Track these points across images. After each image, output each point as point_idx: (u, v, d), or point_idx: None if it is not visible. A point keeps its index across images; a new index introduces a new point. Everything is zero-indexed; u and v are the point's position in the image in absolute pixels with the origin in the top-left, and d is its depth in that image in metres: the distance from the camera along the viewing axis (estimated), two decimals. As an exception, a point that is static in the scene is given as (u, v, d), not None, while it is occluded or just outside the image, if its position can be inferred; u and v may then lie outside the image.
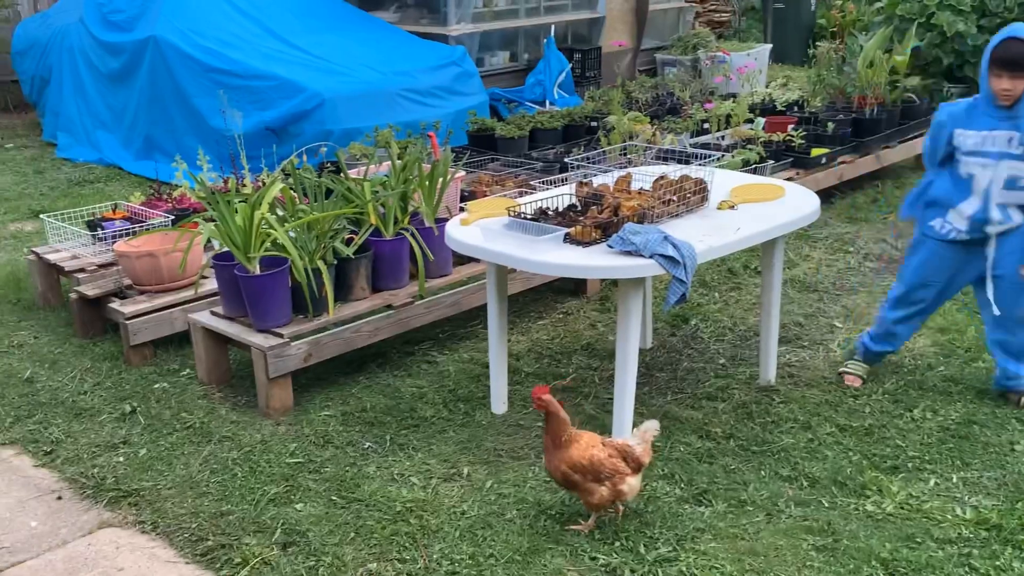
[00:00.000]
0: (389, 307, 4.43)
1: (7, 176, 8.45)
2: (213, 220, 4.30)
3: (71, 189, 7.87)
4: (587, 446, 3.09)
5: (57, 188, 7.94)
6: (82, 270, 5.01)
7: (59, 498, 3.51)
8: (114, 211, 5.46)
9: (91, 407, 4.17)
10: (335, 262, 4.27)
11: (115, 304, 4.65)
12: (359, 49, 8.45)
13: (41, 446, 3.87)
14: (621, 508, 3.20)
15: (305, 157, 6.36)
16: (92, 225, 5.33)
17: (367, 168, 4.92)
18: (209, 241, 4.74)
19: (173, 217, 5.22)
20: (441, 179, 4.63)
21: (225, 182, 5.79)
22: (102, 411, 4.13)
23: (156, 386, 4.35)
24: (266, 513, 3.32)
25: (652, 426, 3.18)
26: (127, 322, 4.53)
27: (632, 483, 3.10)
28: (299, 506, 3.36)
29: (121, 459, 3.73)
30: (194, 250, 4.56)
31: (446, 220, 4.62)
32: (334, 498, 3.41)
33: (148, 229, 5.07)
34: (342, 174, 4.68)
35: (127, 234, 5.05)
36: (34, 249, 5.38)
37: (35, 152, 9.42)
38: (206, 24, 8.30)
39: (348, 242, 4.38)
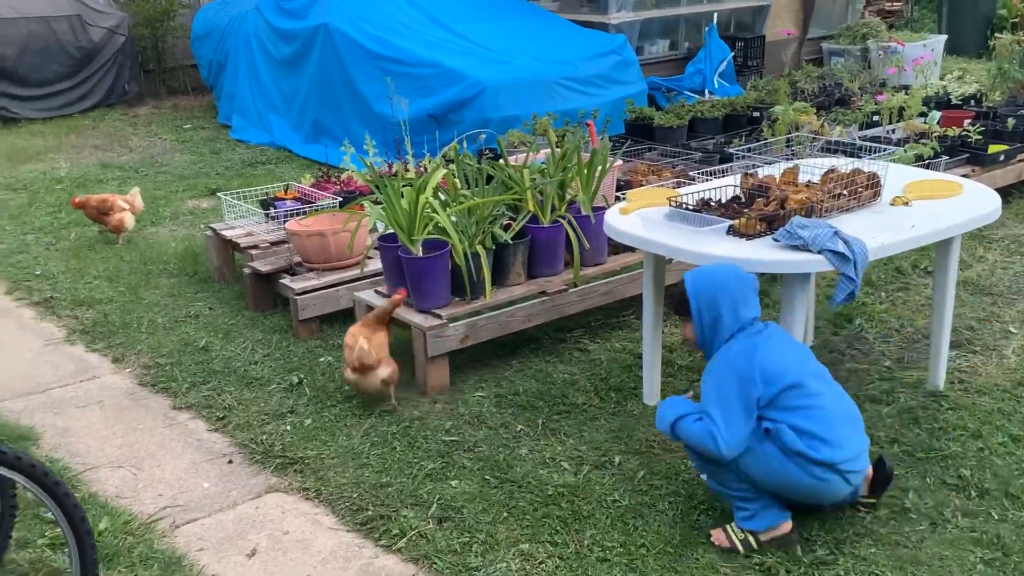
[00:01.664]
0: (543, 293, 4.48)
1: (185, 155, 8.97)
2: (379, 203, 4.45)
3: (244, 169, 8.28)
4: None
5: (231, 168, 8.37)
6: (255, 247, 5.28)
7: (230, 462, 3.72)
8: (286, 192, 5.72)
9: (261, 377, 4.39)
10: (493, 247, 4.35)
11: (286, 280, 4.88)
12: (520, 37, 8.52)
13: (214, 411, 4.10)
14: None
15: (465, 144, 6.48)
16: (265, 204, 5.60)
17: (526, 156, 4.98)
18: (374, 223, 4.92)
19: (341, 199, 5.43)
20: (600, 168, 4.64)
21: (389, 167, 5.97)
22: (271, 381, 4.35)
23: (321, 359, 4.54)
24: (423, 488, 3.43)
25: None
26: (296, 298, 4.74)
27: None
28: (454, 483, 3.45)
29: (288, 427, 3.92)
30: (361, 231, 4.73)
31: (602, 209, 4.63)
32: (487, 477, 3.48)
33: (318, 210, 5.28)
34: (502, 161, 4.75)
35: (298, 214, 5.28)
36: (211, 225, 5.70)
37: (211, 133, 9.95)
38: (375, 13, 8.56)
39: (506, 228, 4.44)
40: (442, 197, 4.45)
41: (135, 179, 8.10)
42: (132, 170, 8.42)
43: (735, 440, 2.88)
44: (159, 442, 3.89)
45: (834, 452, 2.89)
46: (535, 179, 4.58)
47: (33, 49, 10.53)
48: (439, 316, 4.18)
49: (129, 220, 6.34)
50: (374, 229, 5.18)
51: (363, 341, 3.96)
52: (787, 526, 3.05)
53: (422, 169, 6.03)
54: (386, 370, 3.98)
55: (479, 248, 4.20)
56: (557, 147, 4.85)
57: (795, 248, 3.26)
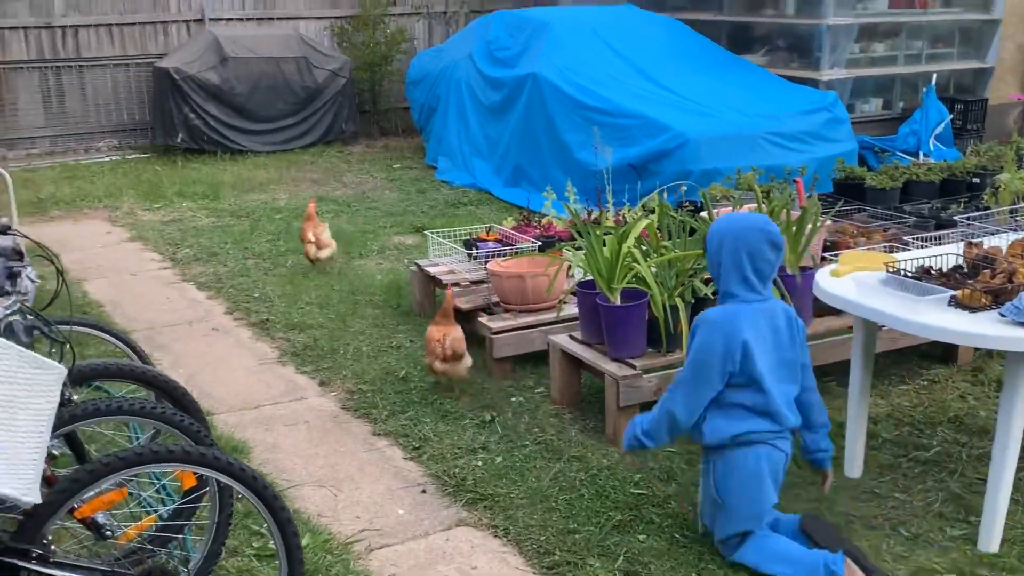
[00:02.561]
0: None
1: (393, 193, 9.39)
2: (579, 249, 4.49)
3: (447, 209, 8.58)
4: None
5: (435, 207, 8.69)
6: (457, 284, 5.44)
7: (423, 491, 3.82)
8: (488, 233, 5.88)
9: (455, 411, 4.50)
10: (692, 301, 4.29)
11: (483, 319, 5.00)
12: (726, 91, 8.46)
13: (411, 440, 4.24)
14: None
15: (665, 195, 6.47)
16: (468, 244, 5.78)
17: (730, 210, 4.90)
18: (570, 268, 4.97)
19: (540, 243, 5.52)
20: (809, 227, 4.51)
21: (589, 214, 6.03)
22: (464, 416, 4.45)
23: (513, 399, 4.61)
24: (610, 538, 3.40)
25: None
26: (493, 336, 4.84)
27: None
28: (642, 537, 3.40)
29: (479, 463, 3.99)
30: (559, 276, 4.79)
31: (808, 269, 4.49)
32: (676, 535, 3.41)
33: (518, 252, 5.40)
34: (704, 214, 4.70)
35: (499, 255, 5.41)
36: (416, 261, 5.92)
37: (418, 173, 10.38)
38: (582, 63, 8.72)
39: (707, 282, 4.38)
40: (643, 247, 4.44)
41: (347, 213, 8.55)
42: (344, 204, 8.89)
43: (692, 404, 3.15)
44: (359, 465, 4.05)
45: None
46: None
47: (263, 87, 11.36)
48: (633, 366, 4.16)
49: (311, 252, 6.70)
50: (571, 275, 5.24)
51: (457, 331, 4.59)
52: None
53: (620, 218, 6.06)
54: (469, 359, 4.63)
55: (678, 301, 4.16)
56: (763, 203, 4.75)
57: (1022, 324, 3.05)
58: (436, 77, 10.72)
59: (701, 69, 8.99)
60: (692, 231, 4.60)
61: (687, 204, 6.52)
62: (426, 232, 6.09)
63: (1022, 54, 10.48)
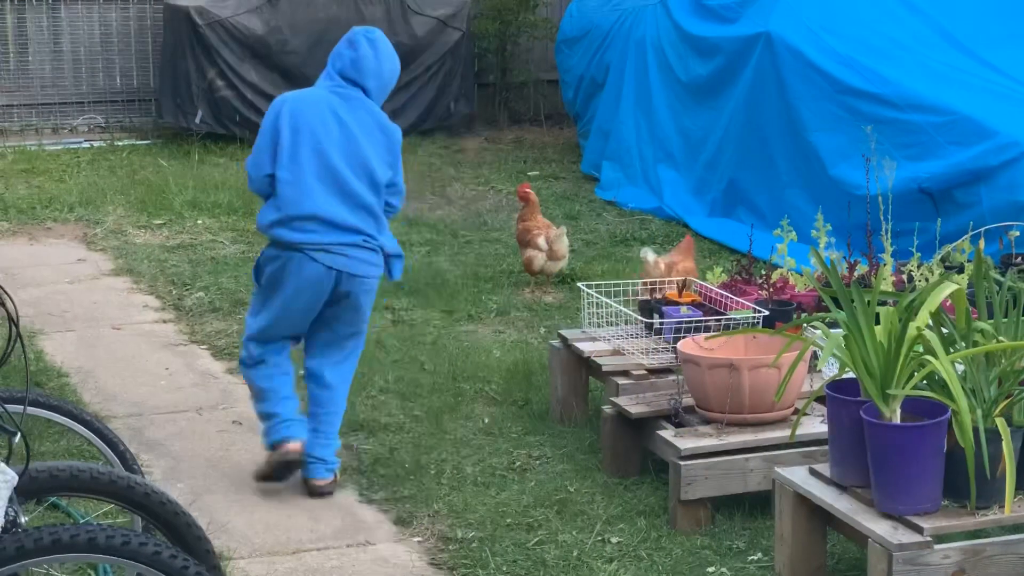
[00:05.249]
0: (1106, 516, 4.23)
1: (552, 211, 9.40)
2: (835, 327, 4.45)
3: (614, 248, 8.66)
4: None
5: (595, 244, 8.78)
6: (625, 373, 5.45)
7: None
8: (681, 291, 5.88)
9: (614, 583, 4.51)
10: (1025, 424, 4.19)
11: (666, 432, 4.98)
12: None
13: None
14: None
15: (982, 242, 6.35)
16: (647, 308, 5.79)
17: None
18: (815, 358, 4.92)
19: (767, 312, 5.49)
20: None
21: (851, 267, 5.97)
22: (631, 593, 4.45)
23: (710, 570, 4.58)
24: None
25: None
26: (681, 463, 4.83)
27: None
28: None
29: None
30: (799, 369, 4.74)
31: None
32: None
33: (729, 327, 5.37)
34: (1051, 279, 4.60)
35: (698, 329, 5.40)
36: (560, 332, 5.98)
37: (568, 187, 10.52)
38: (848, 20, 8.74)
39: (1051, 394, 4.27)
40: (944, 330, 4.37)
41: (452, 246, 8.70)
42: (447, 232, 9.06)
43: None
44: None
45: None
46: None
47: (331, 42, 11.71)
48: (918, 529, 4.07)
49: (538, 262, 7.05)
50: (819, 369, 5.17)
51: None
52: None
53: (904, 278, 5.97)
54: None
55: (999, 423, 4.07)
56: None
57: None
58: (606, 34, 10.89)
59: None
60: (1026, 306, 4.51)
61: (1019, 259, 6.37)
62: (579, 285, 6.14)
63: None
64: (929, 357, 4.14)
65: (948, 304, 4.51)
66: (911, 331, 4.16)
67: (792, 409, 5.05)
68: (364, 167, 5.21)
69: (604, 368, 5.54)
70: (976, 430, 4.05)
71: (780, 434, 4.91)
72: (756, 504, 4.92)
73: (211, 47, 11.30)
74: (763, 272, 6.10)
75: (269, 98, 11.39)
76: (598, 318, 5.92)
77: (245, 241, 8.77)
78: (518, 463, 5.45)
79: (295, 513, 5.06)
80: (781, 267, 6.18)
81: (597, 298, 5.91)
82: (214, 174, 10.50)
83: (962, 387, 4.11)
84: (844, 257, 6.21)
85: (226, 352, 6.75)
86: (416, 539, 4.85)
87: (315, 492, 5.17)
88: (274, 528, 4.94)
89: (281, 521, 5.00)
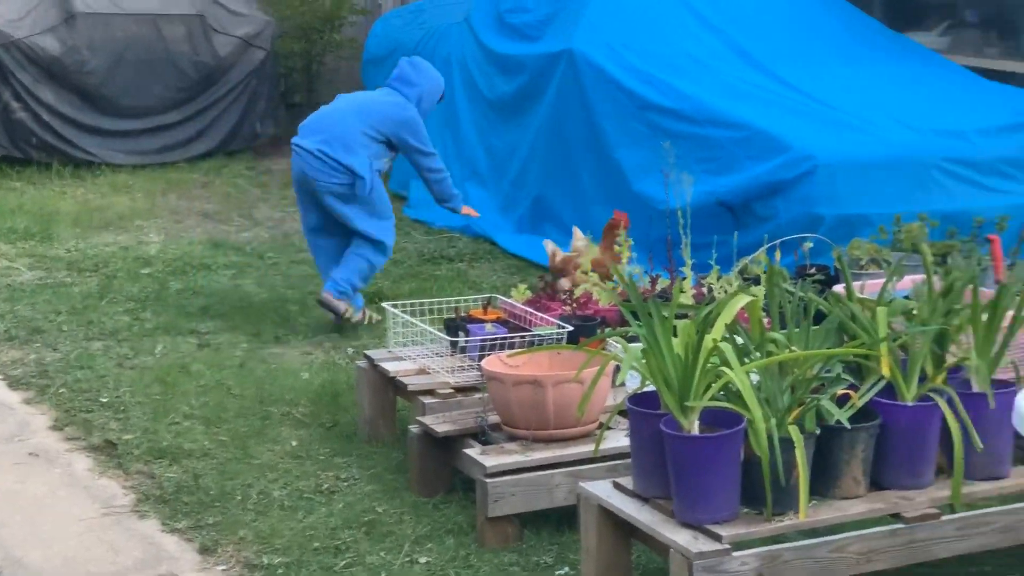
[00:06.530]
0: (897, 517, 4.36)
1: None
2: (635, 340, 4.52)
3: (421, 267, 8.67)
4: None
5: (403, 263, 8.77)
6: (431, 392, 5.46)
7: None
8: (486, 309, 5.91)
9: (422, 603, 4.51)
10: (817, 431, 4.29)
11: (473, 450, 5.00)
12: (881, 90, 8.59)
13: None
14: None
15: (778, 254, 6.51)
16: (453, 326, 5.81)
17: (885, 284, 4.93)
18: (619, 372, 4.98)
19: (571, 328, 5.55)
20: (1009, 315, 4.54)
21: (653, 281, 6.07)
22: (438, 612, 4.46)
23: (520, 586, 4.61)
24: None
25: None
26: (487, 480, 4.84)
27: None
28: None
29: None
30: (601, 384, 4.80)
31: (1011, 386, 4.51)
32: None
33: (534, 343, 5.41)
34: (840, 288, 4.73)
35: (503, 346, 5.43)
36: (366, 352, 5.96)
37: (377, 207, 10.47)
38: (648, 38, 8.90)
39: (841, 402, 4.39)
40: (739, 340, 4.47)
41: (257, 269, 8.64)
42: (254, 255, 9.00)
43: None
44: None
45: None
46: (895, 325, 4.52)
47: (131, 62, 11.53)
48: (717, 537, 4.14)
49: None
50: (620, 384, 5.24)
51: None
52: None
53: (704, 290, 6.08)
54: None
55: (793, 431, 4.16)
56: (936, 274, 4.78)
57: None
58: (411, 53, 10.77)
59: (842, 55, 9.14)
60: (819, 316, 4.62)
61: (813, 270, 6.55)
62: (384, 305, 6.13)
63: None
64: (725, 368, 4.22)
65: (744, 317, 4.60)
66: (707, 343, 4.24)
67: (597, 424, 5.11)
68: (346, 122, 7.37)
69: (410, 387, 5.54)
70: (770, 438, 4.14)
71: (585, 449, 4.94)
72: (563, 519, 4.95)
73: (6, 69, 11.03)
74: (570, 289, 6.17)
75: (67, 120, 11.18)
76: (404, 337, 5.92)
77: (43, 267, 8.57)
78: (326, 485, 5.41)
79: (94, 545, 4.94)
80: (587, 282, 6.24)
81: (402, 317, 5.91)
82: (9, 199, 10.24)
83: (756, 397, 4.20)
84: (646, 271, 6.32)
85: (23, 382, 6.56)
86: (221, 567, 4.76)
87: (319, 301, 7.33)
88: (72, 562, 4.81)
89: (79, 554, 4.87)
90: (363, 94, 7.87)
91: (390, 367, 5.73)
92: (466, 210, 7.80)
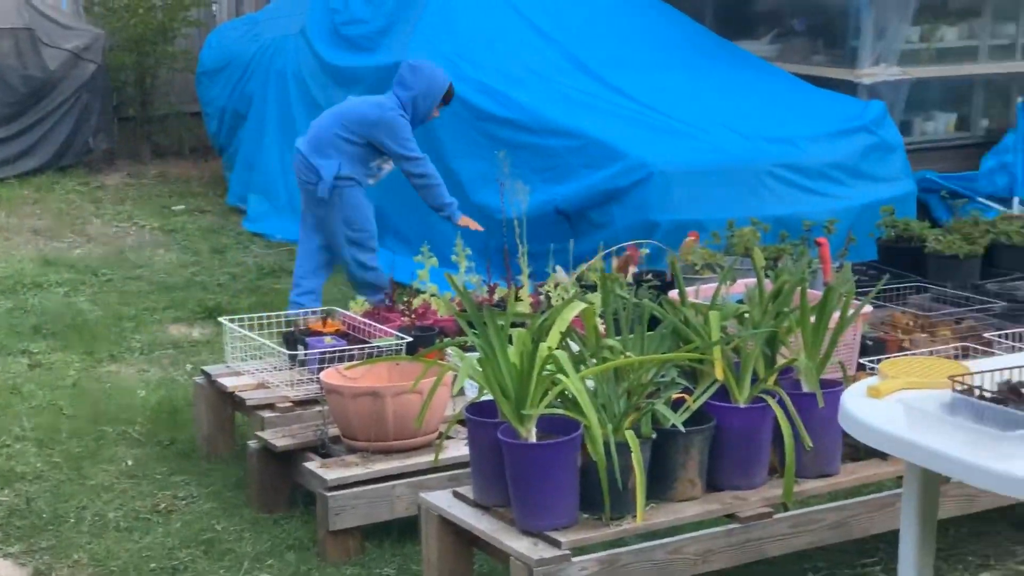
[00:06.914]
0: (732, 517, 4.44)
1: (173, 253, 9.36)
2: (472, 350, 4.53)
3: (261, 281, 8.58)
4: None
5: (242, 277, 8.68)
6: (270, 406, 5.41)
7: None
8: (324, 323, 5.88)
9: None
10: (653, 435, 4.35)
11: (313, 464, 4.96)
12: (713, 99, 8.73)
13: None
14: None
15: (615, 261, 6.58)
16: (291, 340, 5.76)
17: (717, 288, 5.01)
18: (463, 384, 5.00)
19: (410, 339, 5.55)
20: (836, 316, 4.64)
21: (491, 291, 6.09)
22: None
23: (363, 602, 4.59)
24: None
25: None
26: (328, 494, 4.81)
27: None
28: None
29: None
30: (439, 393, 4.80)
31: (838, 385, 4.61)
32: None
33: (372, 355, 5.40)
34: (674, 293, 4.79)
35: (341, 359, 5.41)
36: (204, 368, 5.88)
37: (215, 220, 10.38)
38: (484, 48, 8.92)
39: (675, 406, 4.45)
40: (575, 348, 4.50)
41: (90, 286, 8.47)
42: (89, 271, 8.81)
43: None
44: None
45: None
46: (728, 328, 4.60)
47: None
48: (557, 543, 4.17)
49: None
50: (461, 393, 5.25)
51: None
52: None
53: (542, 298, 6.12)
54: None
55: (629, 436, 4.21)
56: (767, 278, 4.88)
57: None
58: (246, 65, 10.79)
59: (675, 64, 9.27)
60: (654, 321, 4.68)
61: (649, 276, 6.63)
62: (223, 320, 6.06)
63: None
64: (561, 376, 4.26)
65: (580, 324, 4.63)
66: (542, 351, 4.27)
67: (437, 434, 5.11)
68: (323, 123, 7.35)
69: (248, 402, 5.49)
70: (607, 444, 4.18)
71: (426, 459, 4.94)
72: (405, 530, 4.95)
73: None
74: (407, 300, 6.17)
75: None
76: (243, 352, 5.86)
77: None
78: (163, 504, 5.33)
79: (-77, 574, 4.82)
80: (424, 293, 6.25)
81: (240, 332, 5.85)
82: None
83: (592, 403, 4.24)
84: (484, 280, 6.34)
85: None
86: (55, 591, 4.70)
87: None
88: None
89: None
90: (358, 98, 7.64)
91: (228, 382, 5.66)
92: (465, 221, 7.36)
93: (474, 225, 7.35)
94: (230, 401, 5.71)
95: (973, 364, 4.00)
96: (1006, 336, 5.25)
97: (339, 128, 7.20)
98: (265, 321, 6.07)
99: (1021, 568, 4.87)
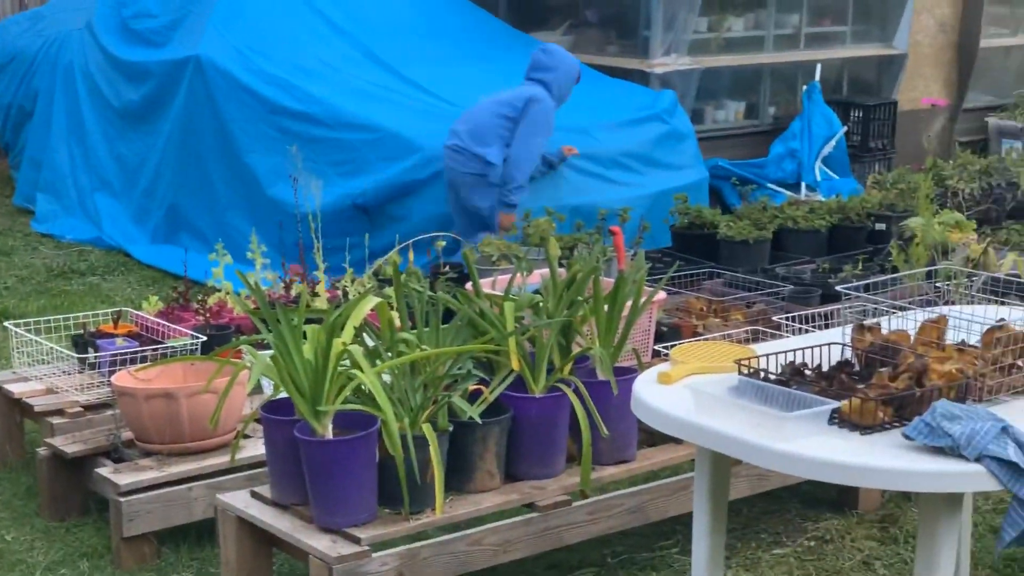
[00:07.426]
0: (531, 507, 4.48)
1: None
2: (267, 347, 4.48)
3: (50, 283, 8.36)
4: None
5: (29, 280, 8.45)
6: (60, 412, 5.27)
7: None
8: (116, 323, 5.76)
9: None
10: (450, 428, 4.36)
11: (105, 469, 4.85)
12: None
13: None
14: None
15: (412, 254, 6.58)
16: (81, 342, 5.63)
17: (511, 278, 5.05)
18: (257, 381, 4.94)
19: (204, 339, 5.47)
20: (629, 303, 4.71)
21: (287, 287, 6.04)
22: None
23: (157, 607, 4.52)
24: None
25: None
26: (121, 499, 4.71)
27: None
28: None
29: None
30: (234, 393, 4.75)
31: (633, 372, 4.67)
32: None
33: (166, 355, 5.31)
34: (470, 286, 4.82)
35: (133, 360, 5.31)
36: (-11, 374, 5.73)
37: (1, 222, 10.09)
38: (276, 42, 8.87)
39: (472, 398, 4.47)
40: (370, 342, 4.49)
41: None
42: None
43: None
44: None
45: None
46: (523, 319, 4.63)
47: None
48: (356, 540, 4.16)
49: None
50: (257, 391, 5.19)
51: None
52: None
53: (339, 293, 6.10)
54: None
55: (426, 429, 4.22)
56: (561, 267, 4.92)
57: (939, 451, 3.29)
58: (32, 60, 10.55)
59: (469, 56, 9.34)
60: (449, 314, 4.69)
61: (447, 269, 6.65)
62: (8, 324, 5.89)
63: (946, 36, 11.47)
64: (356, 371, 4.24)
65: (375, 318, 4.62)
66: (336, 347, 4.25)
67: (234, 434, 5.04)
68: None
69: (36, 408, 5.34)
70: (404, 438, 4.19)
71: (223, 460, 4.88)
72: (203, 533, 4.90)
73: None
74: (203, 298, 6.08)
75: None
76: (30, 357, 5.71)
77: None
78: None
79: None
80: (219, 290, 6.17)
81: (26, 336, 5.69)
82: None
83: (389, 397, 4.24)
84: (281, 278, 6.28)
85: None
86: None
87: None
88: None
89: None
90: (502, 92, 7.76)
91: (15, 388, 5.51)
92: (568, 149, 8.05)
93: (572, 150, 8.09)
94: (18, 408, 5.55)
95: (759, 347, 4.10)
96: (793, 319, 5.39)
97: (503, 114, 7.50)
98: (54, 324, 5.93)
99: (811, 543, 5.02)
